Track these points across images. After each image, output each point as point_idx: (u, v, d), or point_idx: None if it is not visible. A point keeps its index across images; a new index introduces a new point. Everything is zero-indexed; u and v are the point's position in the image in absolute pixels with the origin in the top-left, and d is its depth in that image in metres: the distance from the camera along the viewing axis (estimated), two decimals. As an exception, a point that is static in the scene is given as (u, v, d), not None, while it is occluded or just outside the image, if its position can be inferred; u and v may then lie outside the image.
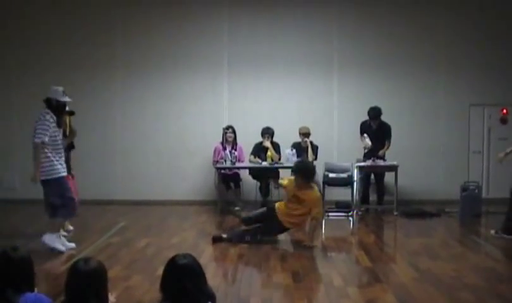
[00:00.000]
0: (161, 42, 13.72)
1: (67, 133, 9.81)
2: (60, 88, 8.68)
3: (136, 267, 7.70)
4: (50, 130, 8.36)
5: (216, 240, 9.17)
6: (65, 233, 9.54)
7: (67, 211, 8.73)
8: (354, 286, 7.01)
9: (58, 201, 8.52)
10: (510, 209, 9.67)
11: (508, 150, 9.45)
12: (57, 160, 8.46)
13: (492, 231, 9.83)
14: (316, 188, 9.38)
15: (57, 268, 7.49)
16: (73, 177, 10.01)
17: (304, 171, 9.17)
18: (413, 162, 13.30)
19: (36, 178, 8.35)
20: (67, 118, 9.83)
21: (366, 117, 12.56)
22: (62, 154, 8.72)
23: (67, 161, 9.65)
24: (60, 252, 8.38)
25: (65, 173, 8.70)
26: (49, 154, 8.38)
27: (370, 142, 12.25)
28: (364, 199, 12.65)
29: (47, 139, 8.30)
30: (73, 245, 8.71)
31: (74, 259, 3.75)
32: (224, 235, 9.33)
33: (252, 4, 13.84)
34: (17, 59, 13.66)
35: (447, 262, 8.05)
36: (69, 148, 10.05)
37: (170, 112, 13.74)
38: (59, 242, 8.55)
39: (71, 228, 10.01)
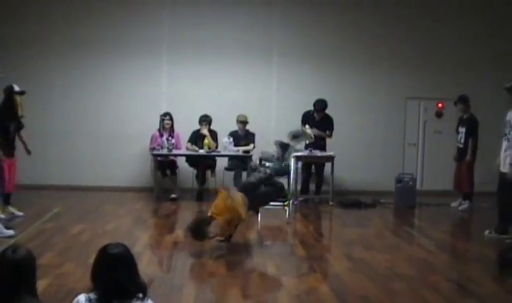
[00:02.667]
0: (100, 23, 13.41)
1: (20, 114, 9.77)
2: None
3: (69, 254, 7.55)
4: None
5: None
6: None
7: None
8: (289, 275, 7.04)
9: None
10: (501, 209, 9.30)
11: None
12: None
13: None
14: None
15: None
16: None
17: None
18: (351, 153, 13.40)
19: None
20: (18, 98, 9.66)
21: (305, 108, 12.60)
22: None
23: (13, 143, 9.72)
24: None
25: None
26: None
27: (312, 134, 12.30)
28: (304, 189, 12.72)
29: None
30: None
31: (2, 248, 3.62)
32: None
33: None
34: None
35: (381, 252, 8.16)
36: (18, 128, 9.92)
37: (108, 95, 13.50)
38: None
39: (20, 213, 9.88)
